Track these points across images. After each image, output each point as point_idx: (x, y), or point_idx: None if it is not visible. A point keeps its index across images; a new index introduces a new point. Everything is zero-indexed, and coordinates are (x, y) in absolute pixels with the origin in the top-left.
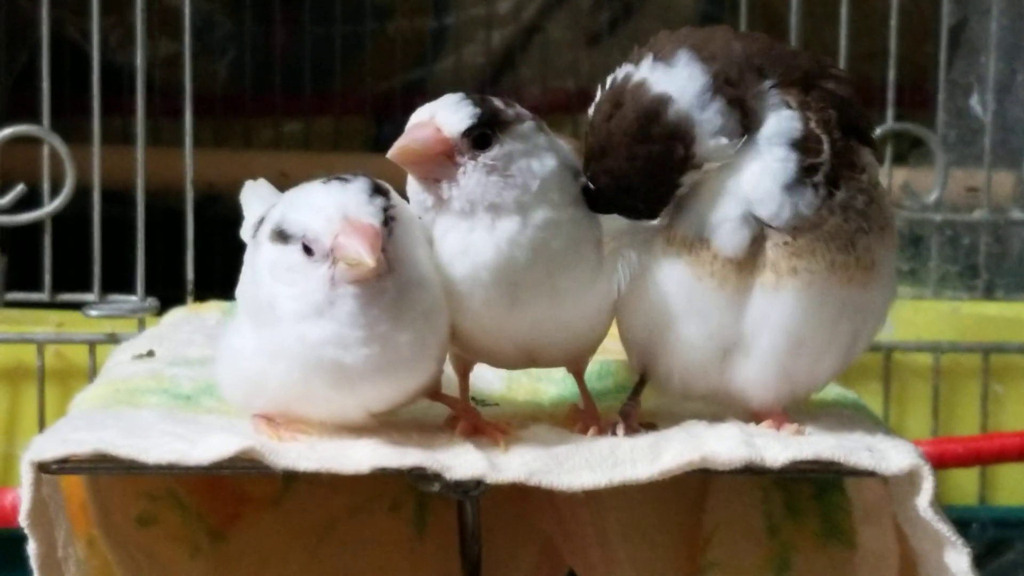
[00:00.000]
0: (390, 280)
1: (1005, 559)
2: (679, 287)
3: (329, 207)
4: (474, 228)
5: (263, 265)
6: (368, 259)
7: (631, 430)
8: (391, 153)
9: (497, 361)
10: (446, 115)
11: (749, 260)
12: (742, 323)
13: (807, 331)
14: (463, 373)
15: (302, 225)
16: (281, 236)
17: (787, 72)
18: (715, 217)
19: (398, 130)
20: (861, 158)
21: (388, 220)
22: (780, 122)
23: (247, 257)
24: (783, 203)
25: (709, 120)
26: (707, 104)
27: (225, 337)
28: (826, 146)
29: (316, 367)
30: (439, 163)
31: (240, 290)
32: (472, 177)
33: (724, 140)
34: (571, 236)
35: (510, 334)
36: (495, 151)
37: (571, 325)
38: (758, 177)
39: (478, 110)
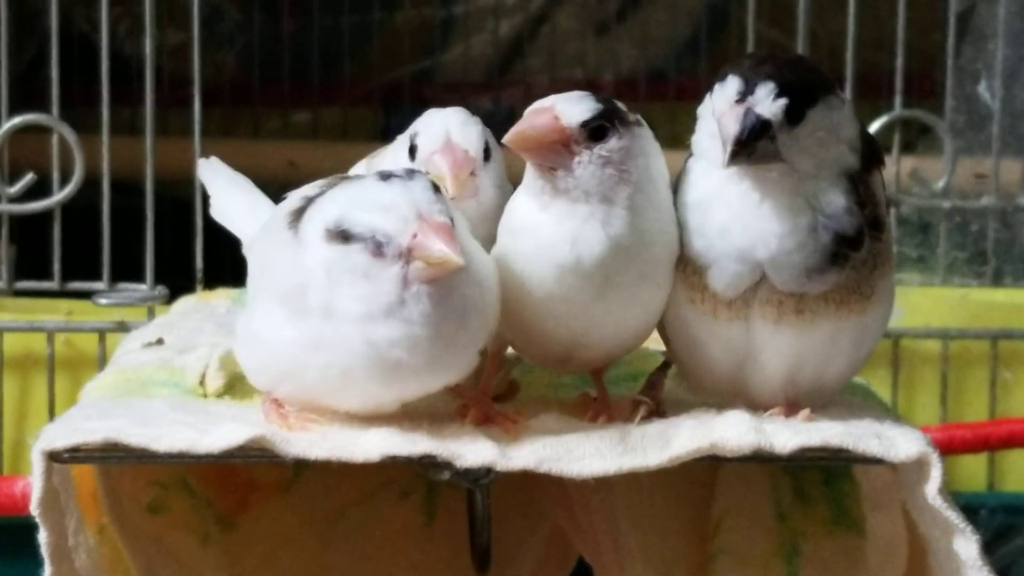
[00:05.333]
0: (460, 277)
1: (1013, 545)
2: (682, 305)
3: (402, 206)
4: (587, 219)
5: (317, 264)
6: (456, 257)
7: (655, 400)
8: (508, 138)
9: (535, 355)
10: (566, 105)
11: (744, 297)
12: (747, 340)
13: (807, 354)
14: (496, 352)
15: (370, 225)
16: (342, 236)
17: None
18: (715, 253)
19: (406, 120)
20: (885, 212)
21: (451, 218)
22: (841, 210)
23: (276, 247)
24: (799, 278)
25: None
26: None
27: (246, 320)
28: (867, 240)
29: (372, 365)
30: (555, 151)
31: (266, 279)
32: (587, 168)
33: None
34: (661, 246)
35: (570, 329)
36: (612, 143)
37: (624, 332)
38: (780, 241)
39: (599, 105)
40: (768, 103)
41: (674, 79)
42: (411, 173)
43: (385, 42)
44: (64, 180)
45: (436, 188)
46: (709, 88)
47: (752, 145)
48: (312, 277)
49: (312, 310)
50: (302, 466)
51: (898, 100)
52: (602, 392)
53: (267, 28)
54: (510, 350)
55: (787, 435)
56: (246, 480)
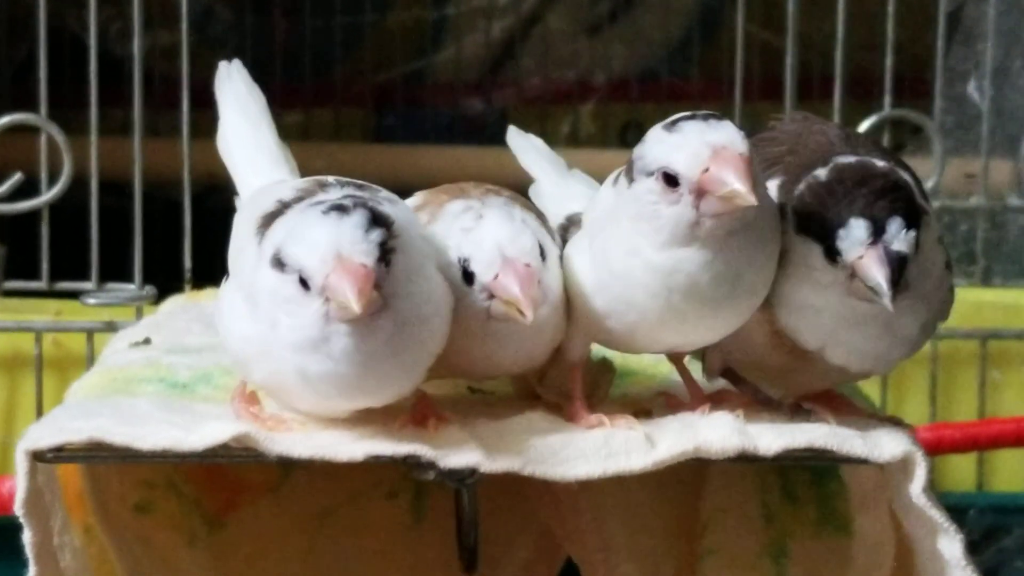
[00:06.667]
0: (386, 317)
1: (1003, 544)
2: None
3: (323, 244)
4: (748, 249)
5: (262, 289)
6: (355, 305)
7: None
8: (736, 193)
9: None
10: (732, 134)
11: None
12: (804, 367)
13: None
14: (575, 366)
15: (298, 260)
16: (279, 264)
17: None
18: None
19: (398, 121)
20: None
21: (387, 254)
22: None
23: (246, 244)
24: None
25: None
26: None
27: (222, 292)
28: None
29: (307, 391)
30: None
31: (236, 267)
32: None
33: None
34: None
35: (687, 339)
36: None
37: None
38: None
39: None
40: (902, 237)
41: (666, 80)
42: (352, 207)
43: (377, 43)
44: (52, 180)
45: (376, 222)
46: (702, 91)
47: (900, 282)
48: (262, 296)
49: (260, 317)
50: (291, 466)
51: (887, 100)
52: (691, 381)
53: (258, 29)
54: None
55: (771, 437)
56: (234, 480)
